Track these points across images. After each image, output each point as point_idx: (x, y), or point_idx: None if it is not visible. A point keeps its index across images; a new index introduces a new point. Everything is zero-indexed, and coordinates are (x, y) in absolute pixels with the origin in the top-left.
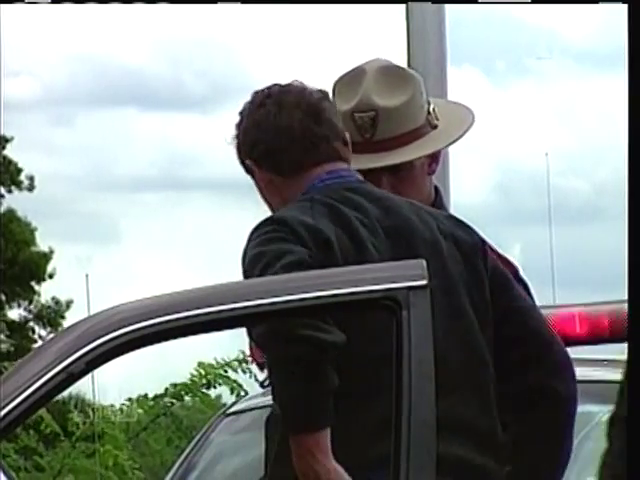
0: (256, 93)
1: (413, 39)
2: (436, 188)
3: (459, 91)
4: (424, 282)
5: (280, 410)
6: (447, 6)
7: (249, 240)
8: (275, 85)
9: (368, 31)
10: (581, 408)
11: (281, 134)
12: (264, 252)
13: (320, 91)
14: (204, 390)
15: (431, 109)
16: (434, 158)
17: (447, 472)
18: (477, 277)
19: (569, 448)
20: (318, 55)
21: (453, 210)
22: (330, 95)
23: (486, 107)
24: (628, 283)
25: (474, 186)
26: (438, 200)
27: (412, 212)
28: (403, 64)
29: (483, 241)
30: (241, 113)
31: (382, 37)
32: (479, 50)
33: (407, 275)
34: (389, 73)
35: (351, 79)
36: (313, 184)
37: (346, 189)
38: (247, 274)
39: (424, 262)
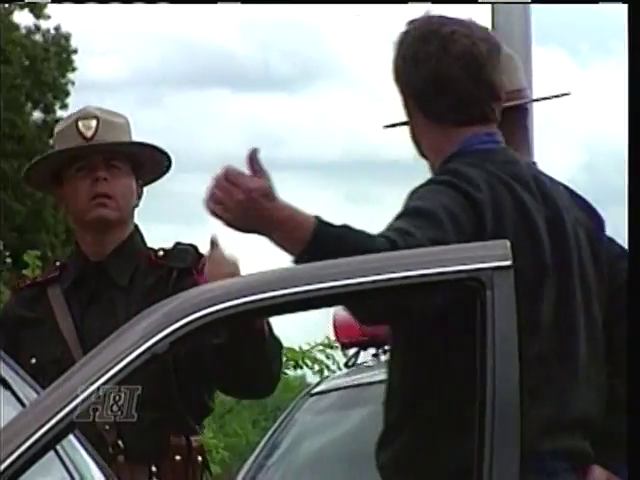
0: (424, 20)
1: (498, 18)
2: None
3: (544, 72)
4: (508, 262)
5: None
6: None
7: (427, 185)
8: (445, 20)
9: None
10: None
11: (437, 82)
12: (435, 202)
13: (488, 42)
14: (289, 372)
15: None
16: (521, 111)
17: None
18: (598, 258)
19: None
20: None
21: None
22: (496, 45)
23: (571, 87)
24: (628, 283)
25: (560, 166)
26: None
27: (562, 201)
28: None
29: (604, 223)
30: (405, 34)
31: (467, 14)
32: (564, 32)
33: (491, 255)
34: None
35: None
36: (470, 143)
37: (510, 161)
38: (407, 205)
39: (508, 242)
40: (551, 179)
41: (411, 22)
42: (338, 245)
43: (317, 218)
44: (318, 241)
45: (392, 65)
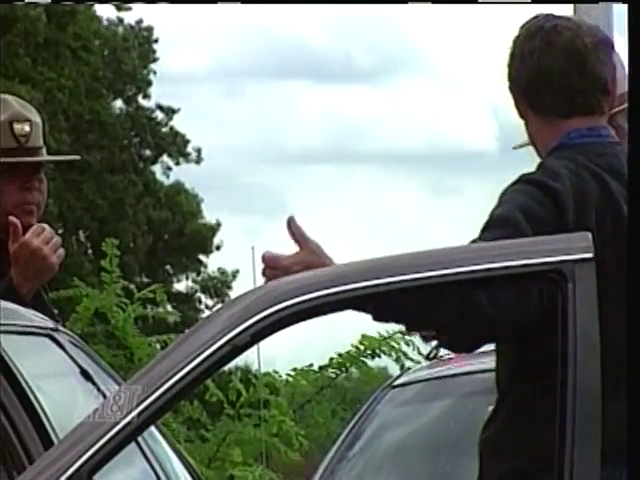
0: (533, 19)
1: (579, 15)
2: None
3: (626, 64)
4: (590, 255)
5: None
6: None
7: (513, 185)
8: (551, 17)
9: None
10: None
11: (540, 75)
12: (512, 204)
13: (594, 36)
14: (368, 361)
15: None
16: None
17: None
18: None
19: None
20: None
21: None
22: (603, 40)
23: None
24: (627, 283)
25: None
26: None
27: None
28: None
29: None
30: (517, 36)
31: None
32: None
33: (573, 248)
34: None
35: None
36: (572, 136)
37: (608, 153)
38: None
39: (590, 234)
40: None
41: (522, 25)
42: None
43: None
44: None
45: (506, 68)
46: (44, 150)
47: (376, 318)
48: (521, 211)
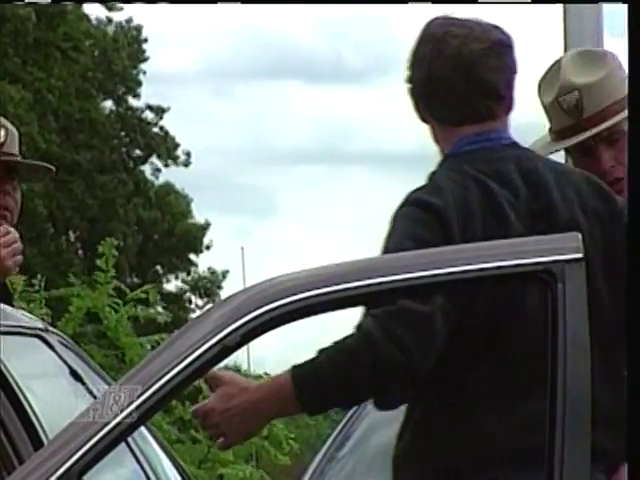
0: (429, 23)
1: (569, 15)
2: None
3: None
4: (580, 255)
5: None
6: None
7: (401, 206)
8: (447, 22)
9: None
10: None
11: (430, 83)
12: (399, 234)
13: (485, 40)
14: None
15: None
16: None
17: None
18: (615, 250)
19: None
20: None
21: None
22: (497, 43)
23: None
24: (627, 283)
25: None
26: None
27: (557, 189)
28: (559, 37)
29: (622, 211)
30: (416, 40)
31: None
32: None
33: (563, 248)
34: (583, 55)
35: (550, 73)
36: (460, 145)
37: (496, 159)
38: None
39: (580, 235)
40: (560, 171)
41: (422, 28)
42: (325, 376)
43: (292, 368)
44: (305, 388)
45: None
46: (19, 159)
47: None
48: (409, 239)
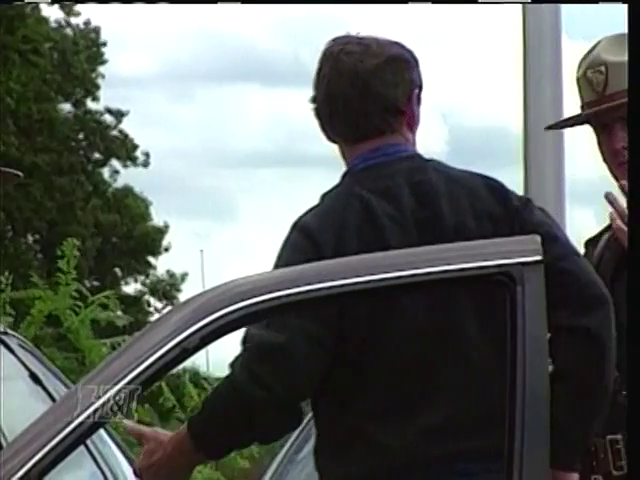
0: (329, 42)
1: (528, 15)
2: None
3: (574, 67)
4: (539, 257)
5: None
6: None
7: (291, 231)
8: (343, 41)
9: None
10: None
11: (330, 102)
12: (281, 263)
13: (380, 55)
14: None
15: None
16: None
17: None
18: None
19: (603, 385)
20: (434, 24)
21: (569, 185)
22: (404, 58)
23: None
24: (628, 284)
25: (591, 161)
26: None
27: (447, 197)
28: (518, 40)
29: (517, 209)
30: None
31: (498, 8)
32: (593, 26)
33: (521, 250)
34: (620, 37)
35: (589, 51)
36: (356, 162)
37: (387, 174)
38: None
39: (538, 237)
40: (455, 180)
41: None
42: (213, 423)
43: (187, 420)
44: (203, 436)
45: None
46: None
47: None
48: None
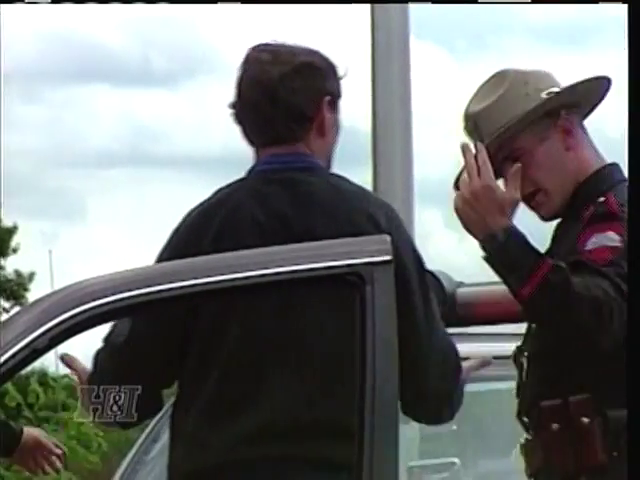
0: (248, 50)
1: (377, 14)
2: (608, 167)
3: (423, 67)
4: (388, 257)
5: None
6: None
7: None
8: (257, 48)
9: (332, 5)
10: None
11: (242, 107)
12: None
13: (289, 63)
14: None
15: (554, 91)
16: (567, 133)
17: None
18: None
19: None
20: (288, 28)
21: (419, 184)
22: (315, 65)
23: (449, 83)
24: (628, 284)
25: (440, 161)
26: (595, 178)
27: (323, 213)
28: (366, 39)
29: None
30: None
31: (346, 10)
32: (441, 28)
33: (371, 250)
34: (487, 81)
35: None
36: (254, 166)
37: (270, 180)
38: None
39: (388, 237)
40: (340, 194)
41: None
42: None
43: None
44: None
45: None
46: None
47: None
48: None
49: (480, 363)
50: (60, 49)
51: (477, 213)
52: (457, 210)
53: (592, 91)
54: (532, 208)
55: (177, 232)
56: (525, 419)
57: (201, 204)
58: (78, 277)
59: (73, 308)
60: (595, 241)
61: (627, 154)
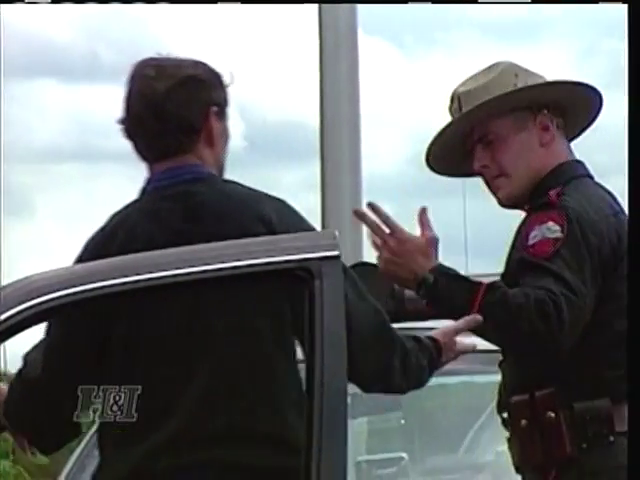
0: (133, 66)
1: (324, 14)
2: (570, 163)
3: (371, 63)
4: (337, 252)
5: None
6: None
7: None
8: (142, 63)
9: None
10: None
11: (130, 123)
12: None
13: (174, 76)
14: None
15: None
16: (545, 129)
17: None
18: None
19: None
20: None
21: (367, 181)
22: (200, 77)
23: (398, 79)
24: (628, 286)
25: (388, 157)
26: (555, 174)
27: (219, 221)
28: (314, 35)
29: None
30: None
31: (294, 8)
32: (389, 23)
33: (319, 245)
34: (479, 70)
35: None
36: (146, 184)
37: (162, 197)
38: None
39: (336, 232)
40: (235, 203)
41: None
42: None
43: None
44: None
45: None
46: None
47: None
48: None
49: (466, 346)
50: (6, 44)
51: (402, 267)
52: (384, 272)
53: (577, 97)
54: (492, 192)
55: (80, 260)
56: (505, 415)
57: (101, 229)
58: (25, 273)
59: (20, 304)
60: (536, 234)
61: (627, 154)
